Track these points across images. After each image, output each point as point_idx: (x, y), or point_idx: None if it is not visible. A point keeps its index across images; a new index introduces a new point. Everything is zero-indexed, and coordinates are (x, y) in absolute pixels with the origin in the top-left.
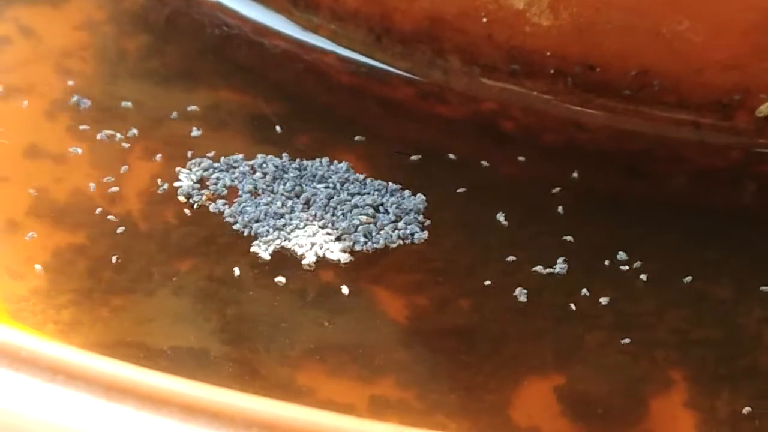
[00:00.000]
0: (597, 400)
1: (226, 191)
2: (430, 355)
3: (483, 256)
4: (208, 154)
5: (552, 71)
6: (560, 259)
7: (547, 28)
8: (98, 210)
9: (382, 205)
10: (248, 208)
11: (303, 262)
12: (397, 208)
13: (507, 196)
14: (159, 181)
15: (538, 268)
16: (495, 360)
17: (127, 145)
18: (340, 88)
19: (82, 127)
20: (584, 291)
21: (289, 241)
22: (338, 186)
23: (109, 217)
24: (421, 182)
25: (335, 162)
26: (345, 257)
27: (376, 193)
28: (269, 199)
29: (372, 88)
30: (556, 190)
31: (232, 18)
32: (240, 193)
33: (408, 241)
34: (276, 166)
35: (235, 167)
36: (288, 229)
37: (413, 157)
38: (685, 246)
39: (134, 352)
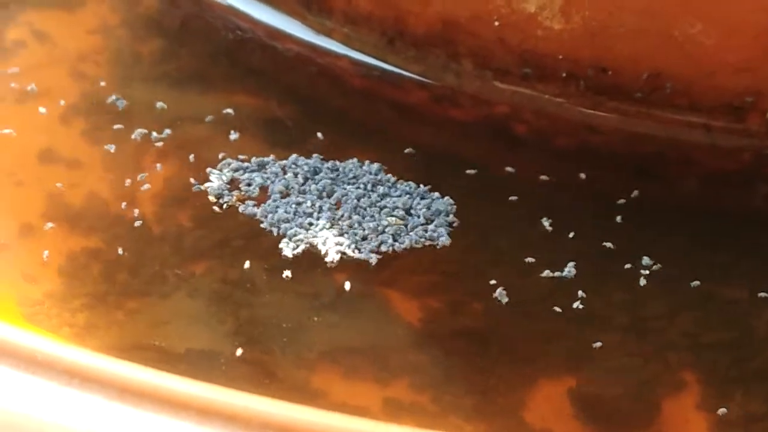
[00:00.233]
0: (609, 402)
1: (257, 192)
2: (444, 357)
3: (495, 259)
4: (240, 156)
5: (564, 74)
6: (570, 264)
7: (559, 31)
8: (113, 213)
9: (411, 207)
10: (278, 208)
11: (326, 259)
12: (426, 210)
13: (520, 198)
14: (192, 179)
15: (546, 273)
16: (508, 362)
17: (152, 146)
18: (353, 91)
19: (116, 126)
20: (595, 294)
21: (315, 239)
22: (369, 187)
23: (123, 220)
24: (435, 184)
25: (367, 162)
26: (371, 258)
27: (406, 195)
28: (299, 199)
29: (385, 92)
30: (566, 194)
31: (245, 22)
32: (270, 193)
33: (434, 243)
34: (307, 167)
35: (265, 168)
36: (315, 229)
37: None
38: (696, 248)
39: (149, 355)
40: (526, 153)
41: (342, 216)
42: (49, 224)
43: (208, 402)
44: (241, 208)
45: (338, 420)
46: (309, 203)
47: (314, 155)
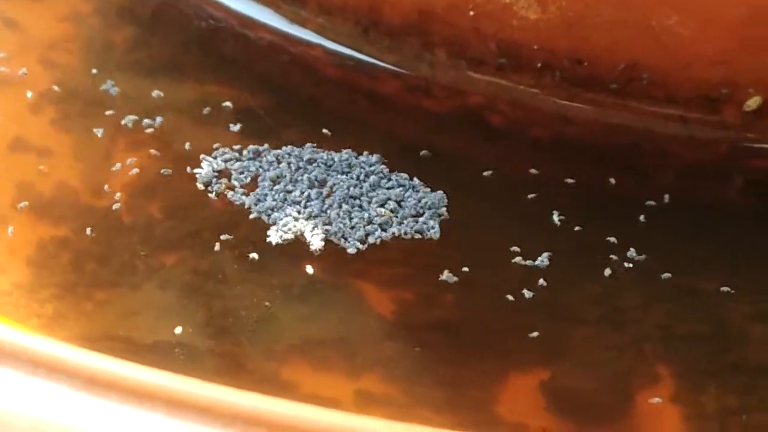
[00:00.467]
0: (583, 395)
1: (248, 180)
2: (416, 349)
3: (469, 250)
4: (235, 147)
5: (539, 65)
6: (545, 254)
7: (535, 21)
8: (82, 203)
9: (403, 200)
10: (267, 197)
11: (311, 248)
12: (417, 203)
13: (493, 190)
14: (162, 170)
15: (518, 260)
16: (481, 355)
17: (124, 135)
18: (326, 81)
19: (86, 115)
20: (569, 285)
21: (302, 228)
22: (362, 177)
23: (93, 210)
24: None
25: (365, 153)
26: (355, 247)
27: (399, 188)
28: (289, 187)
29: (359, 82)
30: (543, 185)
31: (219, 10)
32: (260, 181)
33: (423, 236)
34: (301, 156)
35: (259, 156)
36: (303, 217)
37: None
38: (671, 241)
39: (118, 345)
40: (501, 144)
41: (331, 205)
42: (21, 205)
43: (177, 393)
44: (229, 196)
45: (308, 411)
46: (299, 192)
47: (308, 144)
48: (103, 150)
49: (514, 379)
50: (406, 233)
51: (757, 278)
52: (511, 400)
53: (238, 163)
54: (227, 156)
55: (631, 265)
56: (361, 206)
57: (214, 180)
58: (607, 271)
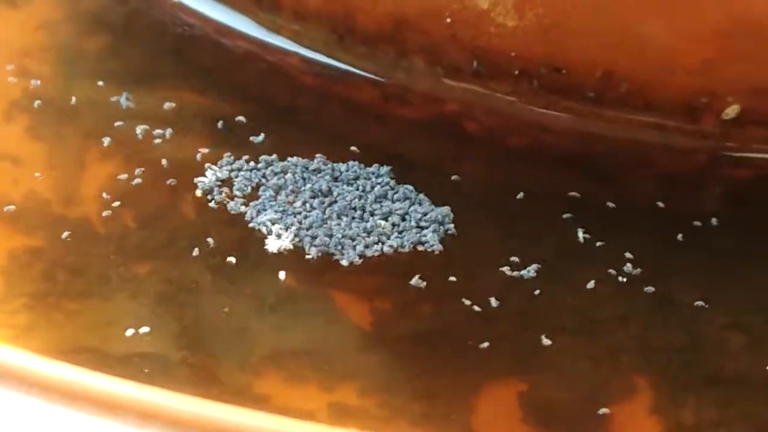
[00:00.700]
0: (560, 406)
1: (249, 190)
2: (392, 361)
3: (446, 261)
4: (244, 156)
5: (517, 72)
6: (533, 266)
7: (512, 28)
8: (55, 212)
9: (407, 213)
10: (267, 207)
11: (306, 257)
12: (422, 216)
13: (470, 199)
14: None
15: (506, 269)
16: (457, 366)
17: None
18: (303, 89)
19: (60, 123)
20: (548, 296)
21: (300, 237)
22: (367, 188)
23: (66, 219)
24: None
25: (375, 165)
26: (352, 258)
27: (406, 201)
28: (290, 198)
29: (335, 89)
30: (520, 195)
31: (193, 18)
32: (261, 191)
33: (424, 249)
34: (305, 167)
35: (265, 167)
36: (303, 227)
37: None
38: (649, 250)
39: (90, 357)
40: (478, 152)
41: (330, 216)
42: None
43: (149, 405)
44: (230, 206)
45: (282, 424)
46: (300, 203)
47: (317, 155)
48: (76, 159)
49: (490, 391)
50: (404, 246)
51: (735, 288)
52: (487, 412)
53: (242, 173)
54: (233, 165)
55: (607, 276)
56: (362, 217)
57: (216, 189)
58: (591, 283)
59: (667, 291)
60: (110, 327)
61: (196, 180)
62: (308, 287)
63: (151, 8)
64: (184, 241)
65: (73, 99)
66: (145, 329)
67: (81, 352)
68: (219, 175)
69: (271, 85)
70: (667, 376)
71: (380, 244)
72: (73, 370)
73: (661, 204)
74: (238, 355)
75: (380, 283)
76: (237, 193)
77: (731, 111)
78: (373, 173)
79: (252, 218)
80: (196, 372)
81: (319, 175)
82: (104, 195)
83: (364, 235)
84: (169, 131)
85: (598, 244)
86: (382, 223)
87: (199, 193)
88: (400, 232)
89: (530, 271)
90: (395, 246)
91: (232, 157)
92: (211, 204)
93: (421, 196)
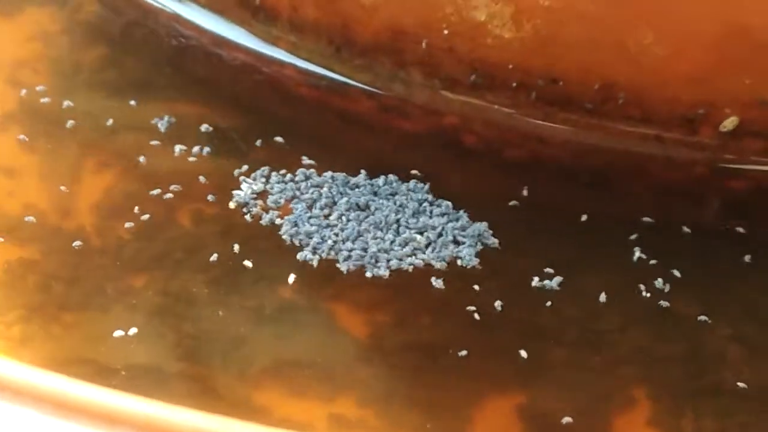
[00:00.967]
0: (559, 418)
1: (282, 202)
2: (391, 371)
3: (443, 272)
4: (281, 171)
5: (514, 84)
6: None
7: (510, 40)
8: (50, 224)
9: (443, 228)
10: (302, 220)
11: (341, 269)
12: (461, 231)
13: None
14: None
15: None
16: (456, 377)
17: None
18: (299, 101)
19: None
20: (547, 307)
21: (335, 251)
22: (404, 202)
23: (61, 231)
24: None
25: (413, 182)
26: (384, 272)
27: (444, 216)
28: (325, 212)
29: (332, 101)
30: (514, 203)
31: (190, 29)
32: (296, 204)
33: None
34: (342, 181)
35: (298, 180)
36: (338, 240)
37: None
38: (648, 262)
39: (86, 369)
40: (476, 164)
41: (366, 229)
42: None
43: (146, 418)
44: (264, 219)
45: None
46: (335, 216)
47: (362, 170)
48: (70, 170)
49: (490, 402)
50: (438, 259)
51: (734, 300)
52: (486, 423)
53: (277, 186)
54: (270, 178)
55: (607, 287)
56: (397, 231)
57: (251, 201)
58: (583, 293)
59: (666, 302)
60: (106, 339)
61: (233, 192)
62: (308, 298)
63: (148, 20)
64: (180, 253)
65: (69, 110)
66: (141, 341)
67: (77, 364)
68: (255, 187)
69: (267, 96)
70: (667, 386)
71: (413, 257)
72: (69, 382)
73: (658, 215)
74: (237, 367)
75: (380, 294)
76: (271, 205)
77: (729, 123)
78: (410, 189)
79: (286, 231)
80: (194, 384)
81: (357, 189)
82: (98, 206)
83: (398, 248)
84: (162, 142)
85: (594, 254)
86: (417, 237)
87: (232, 205)
88: (435, 248)
89: (553, 284)
90: (428, 260)
91: (267, 169)
92: (246, 217)
93: (461, 212)
